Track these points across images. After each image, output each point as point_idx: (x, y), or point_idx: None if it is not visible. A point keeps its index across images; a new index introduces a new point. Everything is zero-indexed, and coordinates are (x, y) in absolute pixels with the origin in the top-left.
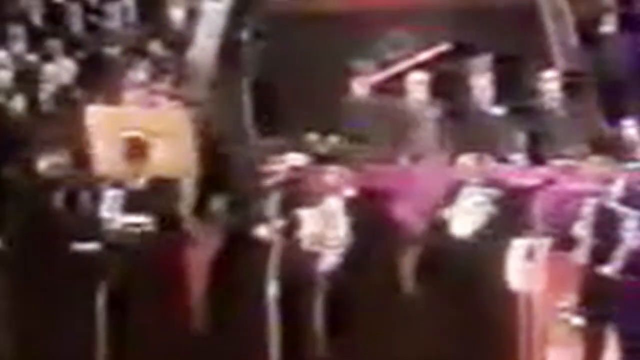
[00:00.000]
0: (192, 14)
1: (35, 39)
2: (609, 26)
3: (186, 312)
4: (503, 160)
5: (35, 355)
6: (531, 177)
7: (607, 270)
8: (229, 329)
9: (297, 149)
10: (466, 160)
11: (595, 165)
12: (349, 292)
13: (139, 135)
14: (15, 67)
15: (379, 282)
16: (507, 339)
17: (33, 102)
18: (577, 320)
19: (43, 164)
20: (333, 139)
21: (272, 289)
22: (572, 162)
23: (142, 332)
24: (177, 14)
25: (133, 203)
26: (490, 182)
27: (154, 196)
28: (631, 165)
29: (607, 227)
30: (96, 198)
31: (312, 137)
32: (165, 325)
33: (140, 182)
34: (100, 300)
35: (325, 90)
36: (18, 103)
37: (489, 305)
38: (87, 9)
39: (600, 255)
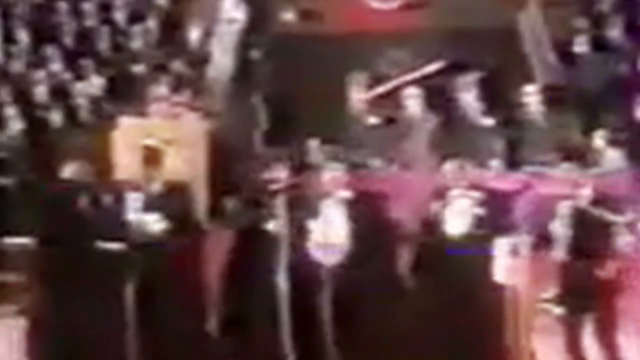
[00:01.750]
0: (208, 35)
1: (69, 59)
2: (582, 46)
3: (203, 304)
4: (489, 166)
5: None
6: (512, 182)
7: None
8: (243, 319)
9: (300, 156)
10: (455, 166)
11: (565, 171)
12: (352, 286)
13: (156, 143)
14: (52, 84)
15: (379, 277)
16: (495, 326)
17: (67, 115)
18: (559, 310)
19: (71, 170)
20: (333, 147)
21: (282, 282)
22: (546, 168)
23: (165, 321)
24: (194, 35)
25: (153, 205)
26: (477, 187)
27: (172, 199)
28: (597, 171)
29: (582, 227)
30: (119, 201)
31: (313, 144)
32: (184, 316)
33: (157, 187)
34: (128, 292)
35: (329, 103)
36: (54, 116)
37: (479, 297)
38: (115, 31)
39: (577, 251)
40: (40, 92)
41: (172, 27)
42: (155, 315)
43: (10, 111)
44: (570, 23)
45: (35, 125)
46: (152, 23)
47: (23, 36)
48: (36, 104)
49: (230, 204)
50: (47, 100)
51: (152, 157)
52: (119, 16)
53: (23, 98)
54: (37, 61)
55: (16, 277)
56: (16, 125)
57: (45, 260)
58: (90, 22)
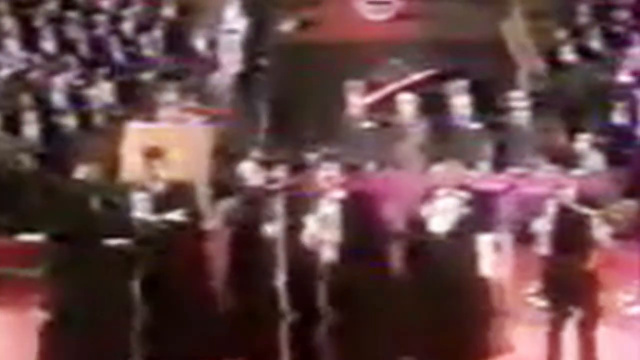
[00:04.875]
0: (212, 44)
1: (84, 67)
2: (564, 55)
3: (208, 294)
4: (477, 168)
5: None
6: (497, 182)
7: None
8: (246, 308)
9: (298, 157)
10: (444, 168)
11: (548, 172)
12: (346, 280)
13: (161, 145)
14: (68, 91)
15: (370, 272)
16: (481, 319)
17: (82, 120)
18: (543, 303)
19: (83, 171)
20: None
21: (281, 276)
22: (531, 169)
23: (171, 313)
24: (199, 44)
25: (158, 204)
26: (464, 187)
27: (177, 198)
28: (579, 172)
29: (566, 223)
30: (128, 200)
31: (311, 146)
32: (190, 309)
33: (162, 186)
34: (136, 284)
35: (327, 108)
36: (70, 121)
37: (466, 290)
38: (124, 41)
39: (560, 247)
40: (57, 98)
41: (178, 36)
42: (161, 308)
43: (30, 116)
44: (552, 33)
45: (52, 128)
46: (158, 33)
47: (43, 46)
48: (53, 109)
49: (231, 203)
50: (63, 105)
51: (154, 155)
52: (127, 26)
53: (42, 103)
54: (55, 69)
55: (35, 272)
56: (34, 128)
57: (60, 256)
58: (100, 32)
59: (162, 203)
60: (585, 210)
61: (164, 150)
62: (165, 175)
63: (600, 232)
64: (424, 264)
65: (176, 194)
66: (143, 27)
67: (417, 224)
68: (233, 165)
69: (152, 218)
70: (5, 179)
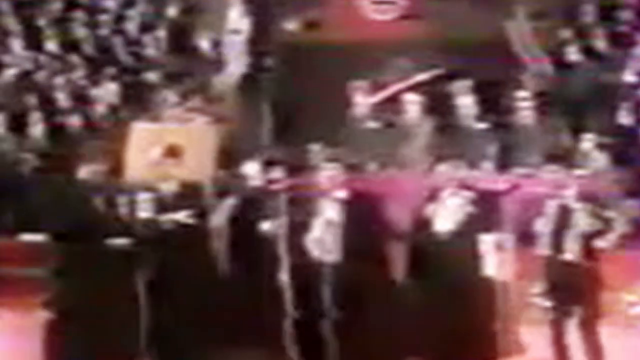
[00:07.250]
0: (217, 44)
1: (89, 67)
2: (569, 55)
3: (212, 294)
4: (481, 168)
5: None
6: (501, 182)
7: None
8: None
9: (302, 158)
10: (449, 168)
11: (552, 172)
12: (350, 281)
13: (171, 145)
14: (72, 91)
15: (374, 273)
16: (485, 318)
17: (85, 120)
18: (546, 303)
19: (88, 171)
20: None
21: (285, 276)
22: (535, 170)
23: (175, 312)
24: (203, 44)
25: (168, 203)
26: (469, 187)
27: (185, 197)
28: (583, 172)
29: (568, 223)
30: (133, 200)
31: (315, 147)
32: (195, 305)
33: (173, 185)
34: (141, 283)
35: (331, 108)
36: (74, 121)
37: (470, 290)
38: (129, 41)
39: (562, 246)
40: (62, 98)
41: (182, 37)
42: (167, 307)
43: (35, 116)
44: (556, 33)
45: (56, 128)
46: (162, 33)
47: (47, 46)
48: (58, 109)
49: (235, 203)
50: (68, 105)
51: (172, 154)
52: (132, 26)
53: (46, 103)
54: (60, 69)
55: (39, 272)
56: (39, 128)
57: (64, 256)
58: (105, 32)
59: (171, 202)
60: (578, 206)
61: (182, 149)
62: (179, 175)
63: (595, 230)
64: (428, 264)
65: (185, 194)
66: (147, 27)
67: (422, 224)
68: (237, 165)
69: (159, 217)
70: (9, 178)
